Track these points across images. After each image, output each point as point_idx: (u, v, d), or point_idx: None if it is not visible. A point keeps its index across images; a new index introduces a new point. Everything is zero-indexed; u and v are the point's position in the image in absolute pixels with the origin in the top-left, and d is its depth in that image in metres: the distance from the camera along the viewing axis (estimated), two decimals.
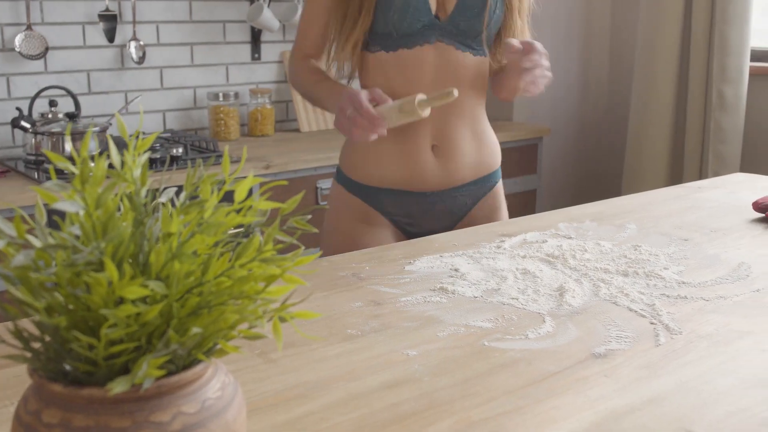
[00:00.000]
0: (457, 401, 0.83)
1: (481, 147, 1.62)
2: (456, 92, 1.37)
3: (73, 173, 0.56)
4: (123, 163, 0.60)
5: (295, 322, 0.96)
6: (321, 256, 1.46)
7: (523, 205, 3.25)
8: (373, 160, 1.59)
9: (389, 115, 1.43)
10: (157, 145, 2.60)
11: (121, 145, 2.35)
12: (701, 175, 3.39)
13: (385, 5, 1.49)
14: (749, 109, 3.36)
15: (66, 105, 2.64)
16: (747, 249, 1.35)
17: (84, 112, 2.73)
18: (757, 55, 3.39)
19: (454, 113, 1.57)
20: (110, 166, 1.57)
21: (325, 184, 2.70)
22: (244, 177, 0.59)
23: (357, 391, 0.85)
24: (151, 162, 2.42)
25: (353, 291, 1.14)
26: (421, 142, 1.56)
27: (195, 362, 0.59)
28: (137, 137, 0.61)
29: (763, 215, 1.55)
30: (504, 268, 1.23)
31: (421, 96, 1.41)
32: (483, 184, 1.63)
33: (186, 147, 2.55)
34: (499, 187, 1.68)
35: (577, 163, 3.85)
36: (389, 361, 0.92)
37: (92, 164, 0.58)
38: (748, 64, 3.26)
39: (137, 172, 0.60)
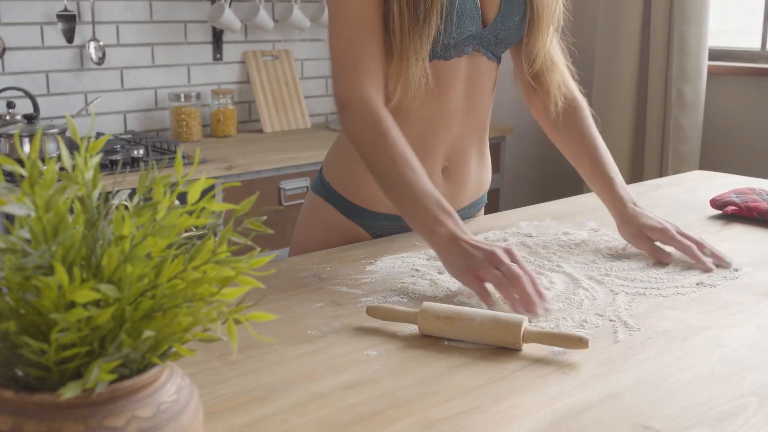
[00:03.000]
0: (417, 401, 0.83)
1: (483, 166, 1.49)
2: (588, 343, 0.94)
3: (21, 176, 0.55)
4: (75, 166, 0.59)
5: (252, 324, 0.96)
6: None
7: (488, 203, 3.26)
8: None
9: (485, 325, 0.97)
10: (118, 146, 2.58)
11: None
12: (661, 172, 3.44)
13: (449, 7, 1.27)
14: (708, 108, 3.41)
15: (24, 107, 2.60)
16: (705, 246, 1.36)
17: (43, 113, 2.69)
18: (715, 55, 3.44)
19: (469, 127, 1.41)
20: (62, 168, 1.55)
21: (289, 184, 2.70)
22: (197, 179, 0.59)
23: (317, 392, 0.84)
24: (112, 164, 2.40)
25: (314, 292, 1.14)
26: (434, 164, 1.38)
27: (149, 366, 0.58)
28: (88, 139, 0.60)
29: (721, 212, 1.57)
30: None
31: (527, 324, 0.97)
32: (476, 205, 1.54)
33: (147, 148, 2.53)
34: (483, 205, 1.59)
35: (539, 162, 3.88)
36: (350, 361, 0.92)
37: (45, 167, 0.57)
38: (706, 63, 3.31)
39: (89, 175, 0.59)
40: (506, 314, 0.96)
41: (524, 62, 1.40)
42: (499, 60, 1.41)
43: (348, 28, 1.26)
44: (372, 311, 1.02)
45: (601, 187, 1.40)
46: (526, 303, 1.03)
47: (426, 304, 0.99)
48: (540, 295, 1.05)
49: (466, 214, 1.52)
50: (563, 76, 1.44)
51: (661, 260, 1.28)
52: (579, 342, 0.92)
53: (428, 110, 1.34)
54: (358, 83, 1.25)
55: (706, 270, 1.24)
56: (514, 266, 1.06)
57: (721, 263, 1.26)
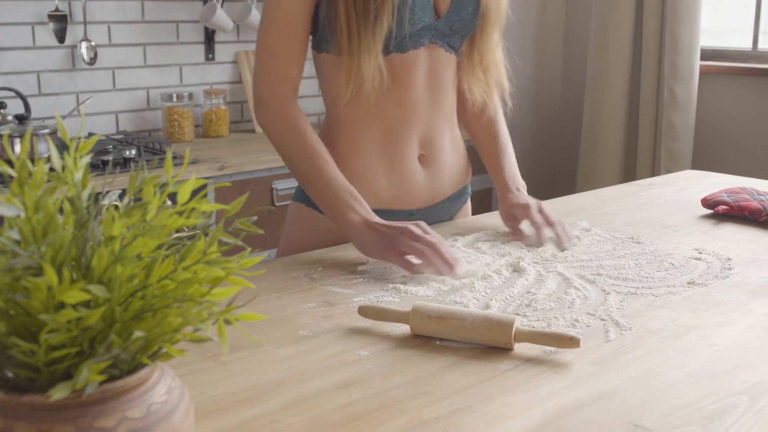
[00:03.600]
0: (408, 400, 0.83)
1: (459, 156, 1.53)
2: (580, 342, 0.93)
3: (11, 176, 0.55)
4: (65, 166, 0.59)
5: (243, 324, 0.96)
6: None
7: (480, 203, 3.27)
8: (357, 176, 1.40)
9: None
10: (110, 147, 2.57)
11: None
12: (654, 172, 3.45)
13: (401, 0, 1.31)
14: (700, 107, 3.42)
15: (15, 107, 2.59)
16: (696, 245, 1.37)
17: (34, 114, 2.68)
18: (707, 54, 3.45)
19: (440, 116, 1.45)
20: (53, 169, 1.55)
21: (281, 185, 2.69)
22: (187, 179, 0.58)
23: (308, 393, 0.84)
24: (104, 164, 2.39)
25: (306, 292, 1.14)
26: (410, 152, 1.42)
27: (140, 366, 0.58)
28: (78, 140, 0.60)
29: (712, 211, 1.58)
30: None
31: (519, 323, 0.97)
32: (459, 198, 1.55)
33: (139, 149, 2.53)
34: (469, 200, 1.61)
35: (532, 162, 3.88)
36: (341, 361, 0.92)
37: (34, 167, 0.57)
38: (698, 62, 3.32)
39: (78, 175, 0.59)
40: (498, 314, 0.97)
41: (475, 55, 1.45)
42: (457, 52, 1.45)
43: (274, 28, 1.33)
44: (364, 311, 1.02)
45: (494, 176, 1.53)
46: (448, 264, 1.15)
47: (417, 303, 1.00)
48: (455, 259, 1.17)
49: (450, 208, 1.53)
50: (501, 78, 1.51)
51: (519, 239, 1.38)
52: (570, 341, 0.92)
53: (394, 103, 1.38)
54: (277, 83, 1.34)
55: (561, 248, 1.34)
56: (428, 236, 1.18)
57: (569, 244, 1.34)
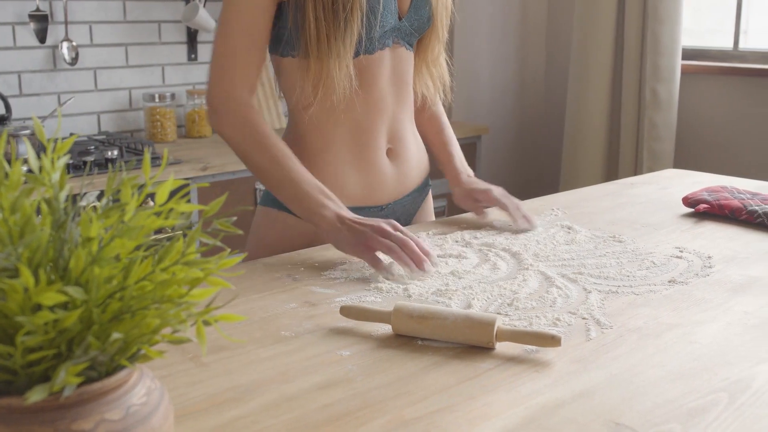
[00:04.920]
0: (390, 400, 0.83)
1: (420, 148, 1.56)
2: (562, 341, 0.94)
3: None
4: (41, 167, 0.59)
5: (226, 325, 0.95)
6: None
7: (451, 203, 3.27)
8: (327, 176, 1.39)
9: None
10: (92, 147, 2.56)
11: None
12: (636, 171, 3.46)
13: (372, 3, 1.32)
14: (681, 107, 3.44)
15: None
16: (677, 243, 1.37)
17: (15, 114, 2.67)
18: (689, 54, 3.47)
19: (404, 110, 1.48)
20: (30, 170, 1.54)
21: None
22: (166, 180, 0.58)
23: (290, 393, 0.84)
24: (86, 165, 2.38)
25: (288, 292, 1.14)
26: (378, 147, 1.44)
27: (118, 368, 0.58)
28: (56, 140, 0.59)
29: (693, 210, 1.59)
30: (439, 265, 1.24)
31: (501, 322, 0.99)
32: (423, 189, 1.57)
33: (121, 149, 2.51)
34: (430, 191, 1.63)
35: (515, 161, 3.89)
36: (323, 361, 0.92)
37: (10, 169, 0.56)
38: (679, 62, 3.34)
39: (56, 176, 0.58)
40: (479, 313, 0.97)
41: (425, 53, 1.50)
42: (413, 49, 1.49)
43: (234, 32, 1.31)
44: (345, 311, 1.01)
45: (444, 162, 1.60)
46: (417, 261, 1.17)
47: (399, 303, 1.00)
48: (427, 254, 1.19)
49: (416, 200, 1.56)
50: (444, 73, 1.55)
51: (480, 218, 1.51)
52: (552, 340, 0.92)
53: (361, 102, 1.39)
54: (235, 86, 1.32)
55: (518, 229, 1.44)
56: (399, 234, 1.20)
57: (528, 226, 1.45)
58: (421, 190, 1.57)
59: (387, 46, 1.40)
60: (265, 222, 1.45)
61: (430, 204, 1.63)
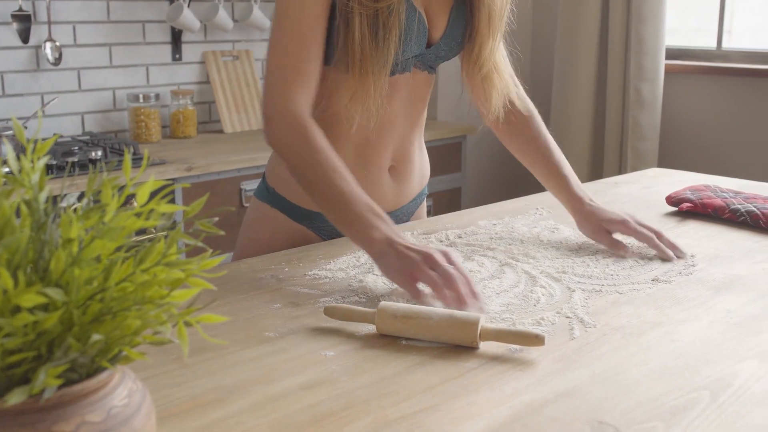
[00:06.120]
0: (373, 400, 0.83)
1: (423, 158, 1.52)
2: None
3: None
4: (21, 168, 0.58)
5: (209, 326, 0.95)
6: None
7: (447, 203, 3.28)
8: None
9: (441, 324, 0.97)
10: (75, 148, 2.55)
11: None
12: (621, 170, 3.48)
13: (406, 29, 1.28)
14: (665, 106, 3.46)
15: None
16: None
17: None
18: (672, 53, 3.49)
19: (413, 130, 1.44)
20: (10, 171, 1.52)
21: (250, 185, 2.68)
22: (147, 180, 0.58)
23: (274, 394, 0.84)
24: (70, 166, 2.37)
25: (272, 293, 1.13)
26: (383, 164, 1.41)
27: (99, 370, 0.58)
28: (35, 141, 0.59)
29: (677, 209, 1.59)
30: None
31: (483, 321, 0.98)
32: (419, 198, 1.55)
33: (105, 150, 2.50)
34: (425, 198, 1.61)
35: (501, 161, 3.90)
36: (307, 362, 0.92)
37: None
38: (663, 62, 3.35)
39: (35, 177, 0.58)
40: (463, 312, 0.97)
41: (472, 68, 1.39)
42: (435, 71, 1.43)
43: (291, 44, 1.25)
44: (330, 311, 1.01)
45: (558, 187, 1.44)
46: (458, 302, 1.04)
47: (383, 303, 1.00)
48: (475, 295, 1.05)
49: (410, 208, 1.53)
50: (506, 83, 1.43)
51: (620, 253, 1.32)
52: (535, 339, 0.92)
53: (373, 119, 1.33)
54: (292, 96, 1.25)
55: (666, 258, 1.29)
56: (449, 267, 1.07)
57: (678, 254, 1.31)
58: (416, 200, 1.54)
59: (407, 71, 1.35)
60: (258, 217, 1.44)
61: (423, 208, 1.61)
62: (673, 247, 1.32)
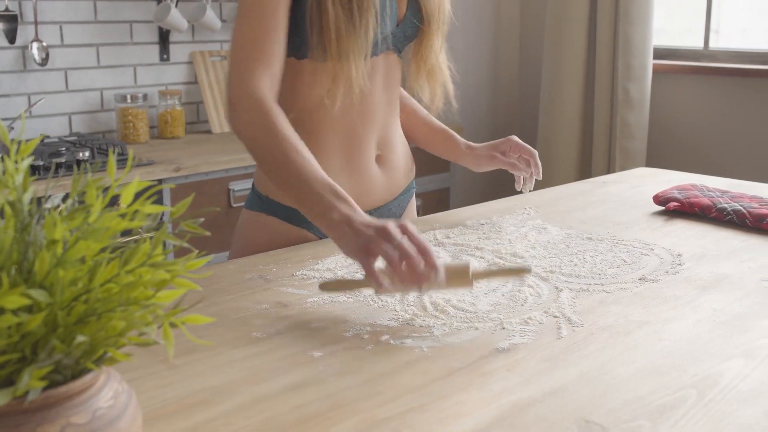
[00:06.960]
0: (361, 401, 0.83)
1: (407, 151, 1.55)
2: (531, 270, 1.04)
3: None
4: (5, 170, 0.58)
5: (196, 326, 0.95)
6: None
7: (436, 202, 3.28)
8: None
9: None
10: (63, 148, 2.54)
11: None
12: (609, 170, 3.49)
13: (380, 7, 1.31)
14: (653, 106, 3.47)
15: None
16: (648, 241, 1.38)
17: None
18: (660, 53, 3.50)
19: (393, 117, 1.47)
20: None
21: (238, 185, 2.68)
22: (131, 181, 0.58)
23: (261, 394, 0.84)
24: (57, 167, 2.36)
25: (260, 293, 1.13)
26: (369, 153, 1.43)
27: (84, 371, 0.57)
28: (19, 142, 0.59)
29: (664, 208, 1.60)
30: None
31: (475, 265, 1.09)
32: (408, 192, 1.56)
33: (93, 150, 2.49)
34: (414, 194, 1.62)
35: None
36: (294, 362, 0.91)
37: None
38: (651, 62, 3.36)
39: (19, 178, 0.58)
40: (453, 261, 1.02)
41: (420, 61, 1.45)
42: (402, 55, 1.47)
43: (255, 24, 1.25)
44: (325, 286, 1.04)
45: (443, 142, 1.62)
46: (413, 280, 1.01)
47: (379, 265, 1.03)
48: (432, 265, 1.01)
49: (402, 203, 1.54)
50: (446, 81, 1.50)
51: (515, 170, 1.55)
52: (523, 271, 1.05)
53: (356, 109, 1.37)
54: (255, 81, 1.24)
55: (537, 177, 1.55)
56: (405, 240, 1.03)
57: (537, 175, 1.55)
58: (407, 192, 1.56)
59: (381, 52, 1.37)
60: (255, 229, 1.42)
61: (413, 205, 1.62)
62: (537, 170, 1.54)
